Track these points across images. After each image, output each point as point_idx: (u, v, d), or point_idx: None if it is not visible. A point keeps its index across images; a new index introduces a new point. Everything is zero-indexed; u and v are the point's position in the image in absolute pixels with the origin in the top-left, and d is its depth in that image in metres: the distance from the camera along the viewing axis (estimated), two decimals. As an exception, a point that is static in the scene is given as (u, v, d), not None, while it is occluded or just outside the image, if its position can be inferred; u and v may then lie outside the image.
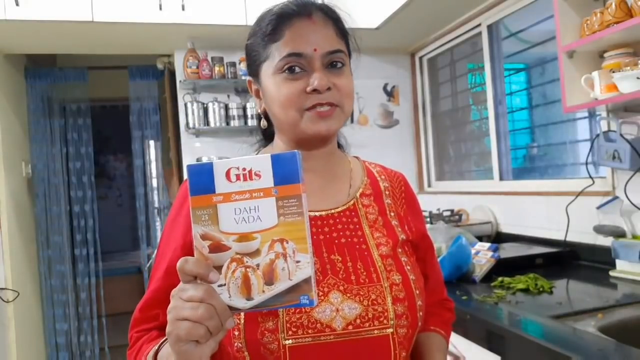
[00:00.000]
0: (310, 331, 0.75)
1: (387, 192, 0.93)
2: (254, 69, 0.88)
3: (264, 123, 0.90)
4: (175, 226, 0.85)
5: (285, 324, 0.74)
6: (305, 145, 0.86)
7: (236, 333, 0.75)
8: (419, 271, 0.88)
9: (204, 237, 0.60)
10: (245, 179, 0.60)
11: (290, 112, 0.81)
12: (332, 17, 0.85)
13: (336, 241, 0.83)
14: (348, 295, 0.78)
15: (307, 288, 0.60)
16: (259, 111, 0.90)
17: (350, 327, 0.76)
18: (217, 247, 0.60)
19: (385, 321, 0.77)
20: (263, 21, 0.84)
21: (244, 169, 0.60)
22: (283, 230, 0.60)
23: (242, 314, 0.74)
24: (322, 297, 0.77)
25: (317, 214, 0.85)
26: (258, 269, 0.60)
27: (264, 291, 0.60)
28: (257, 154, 0.93)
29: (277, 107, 0.83)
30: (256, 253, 0.60)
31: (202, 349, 0.59)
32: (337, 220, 0.86)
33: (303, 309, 0.74)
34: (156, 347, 0.76)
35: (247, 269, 0.60)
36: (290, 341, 0.74)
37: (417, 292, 0.82)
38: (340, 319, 0.76)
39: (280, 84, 0.81)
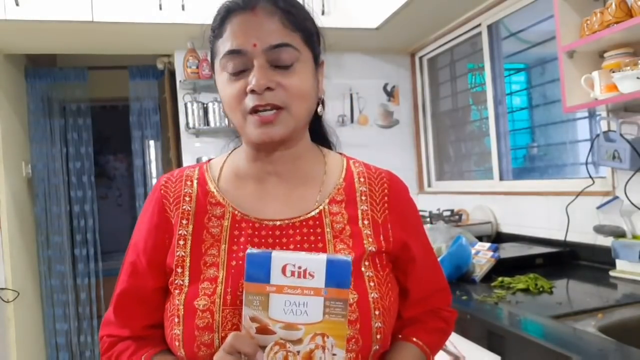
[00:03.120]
0: None
1: (363, 198, 0.83)
2: (212, 66, 0.84)
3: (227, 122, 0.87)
4: (139, 228, 0.84)
5: (220, 340, 0.71)
6: (263, 149, 0.81)
7: (176, 343, 0.74)
8: (392, 287, 0.81)
9: (253, 319, 0.66)
10: (299, 277, 0.66)
11: (235, 115, 0.76)
12: (281, 8, 0.76)
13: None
14: None
15: None
16: (222, 110, 0.86)
17: None
18: (264, 330, 0.66)
19: None
20: (214, 17, 0.80)
21: (299, 267, 0.66)
22: (326, 326, 0.66)
23: (182, 324, 0.74)
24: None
25: (277, 223, 0.80)
26: (298, 355, 0.66)
27: None
28: (229, 155, 0.90)
29: (225, 109, 0.79)
30: (298, 341, 0.66)
31: None
32: (298, 230, 0.79)
33: (239, 326, 0.71)
34: None
35: (289, 353, 0.66)
36: None
37: (377, 312, 0.75)
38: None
39: (224, 84, 0.77)
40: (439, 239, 1.99)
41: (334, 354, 0.66)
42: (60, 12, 2.45)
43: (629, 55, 1.64)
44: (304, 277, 0.66)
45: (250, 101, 0.74)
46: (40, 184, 3.47)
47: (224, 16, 0.77)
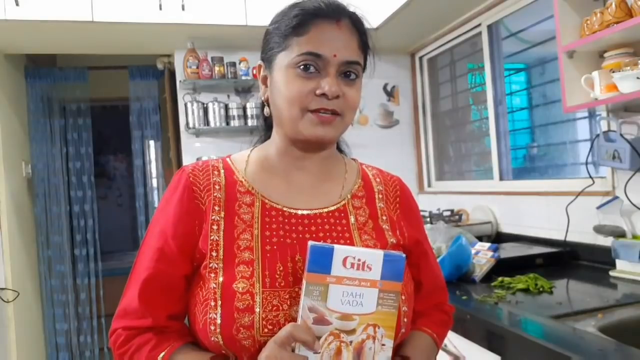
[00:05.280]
0: None
1: (380, 196, 0.92)
2: (268, 56, 0.86)
3: (267, 110, 0.89)
4: (165, 215, 0.84)
5: (261, 321, 0.73)
6: (300, 146, 0.86)
7: (212, 327, 0.74)
8: (410, 277, 0.88)
9: (311, 309, 0.69)
10: (358, 269, 0.70)
11: (293, 109, 0.81)
12: (359, 29, 0.85)
13: (321, 242, 0.81)
14: None
15: None
16: (262, 99, 0.89)
17: None
18: (321, 321, 0.69)
19: None
20: (291, 12, 0.83)
21: (359, 260, 0.70)
22: (378, 317, 0.71)
23: (219, 307, 0.75)
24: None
25: (305, 212, 0.85)
26: (350, 344, 0.70)
27: None
28: (251, 150, 0.93)
29: (282, 101, 0.82)
30: (352, 331, 0.70)
31: None
32: (325, 220, 0.85)
33: (280, 307, 0.75)
34: None
35: (342, 343, 0.70)
36: (265, 339, 0.72)
37: (403, 297, 0.81)
38: None
39: (291, 79, 0.81)
40: (439, 239, 1.99)
41: (383, 344, 0.71)
42: (60, 12, 2.45)
43: (629, 55, 1.64)
44: (362, 269, 0.70)
45: (317, 102, 0.80)
46: (40, 184, 3.47)
47: (307, 17, 0.81)
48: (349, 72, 0.82)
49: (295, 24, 0.81)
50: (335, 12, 0.82)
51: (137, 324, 0.80)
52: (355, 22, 0.85)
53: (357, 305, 0.70)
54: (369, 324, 0.70)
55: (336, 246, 0.71)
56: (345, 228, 0.85)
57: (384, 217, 0.89)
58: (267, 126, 0.95)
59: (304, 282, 0.70)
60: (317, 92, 0.79)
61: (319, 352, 0.69)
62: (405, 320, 0.81)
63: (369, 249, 0.78)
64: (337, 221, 0.85)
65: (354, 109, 0.85)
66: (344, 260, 0.70)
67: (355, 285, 0.70)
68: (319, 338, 0.69)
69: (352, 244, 0.83)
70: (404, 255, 0.73)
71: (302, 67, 0.80)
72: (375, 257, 0.71)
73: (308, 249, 0.71)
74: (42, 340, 3.51)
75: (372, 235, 0.85)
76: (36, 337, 3.42)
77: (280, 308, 0.74)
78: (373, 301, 0.70)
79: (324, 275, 0.69)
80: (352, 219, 0.86)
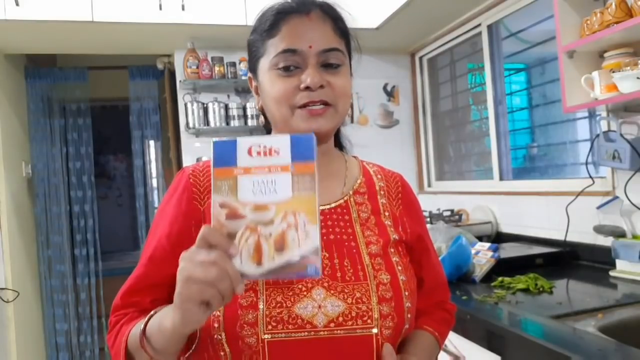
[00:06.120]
0: (290, 327, 0.73)
1: (382, 192, 0.92)
2: (253, 65, 0.88)
3: (262, 120, 0.90)
4: (163, 215, 0.85)
5: (265, 318, 0.73)
6: None
7: (215, 325, 0.74)
8: (412, 273, 0.87)
9: (222, 205, 0.63)
10: (265, 155, 0.64)
11: (282, 109, 0.81)
12: (331, 16, 0.84)
13: (325, 237, 0.81)
14: (332, 292, 0.76)
15: (314, 259, 0.62)
16: (257, 108, 0.90)
17: (332, 324, 0.74)
18: (234, 215, 0.63)
19: (369, 321, 0.76)
20: (263, 17, 0.84)
21: (264, 146, 0.64)
22: (296, 203, 0.63)
23: (222, 307, 0.74)
24: (305, 293, 0.75)
25: None
26: (270, 237, 0.62)
27: (274, 258, 0.62)
28: None
29: (271, 103, 0.83)
30: (270, 223, 0.63)
31: (207, 312, 0.60)
32: (328, 216, 0.84)
33: (284, 304, 0.74)
34: (145, 320, 0.72)
35: (260, 237, 0.62)
36: (269, 336, 0.73)
37: (407, 293, 0.81)
38: (322, 315, 0.74)
39: (274, 80, 0.81)
40: (439, 239, 1.99)
41: (306, 232, 0.63)
42: (60, 12, 2.45)
43: (629, 55, 1.64)
44: (270, 154, 0.64)
45: (302, 97, 0.80)
46: (40, 184, 3.47)
47: (278, 17, 0.82)
48: (331, 61, 0.81)
49: (268, 26, 0.82)
50: (303, 5, 0.82)
51: (123, 312, 0.82)
52: (326, 11, 0.84)
53: (271, 194, 0.63)
54: (287, 211, 0.63)
55: (239, 138, 0.65)
56: (348, 223, 0.84)
57: (387, 213, 0.89)
58: (267, 132, 0.95)
59: (212, 180, 0.64)
60: (301, 86, 0.79)
61: (235, 254, 0.62)
62: (409, 316, 0.80)
63: (274, 135, 0.73)
64: (340, 217, 0.85)
65: (345, 96, 0.84)
66: (249, 150, 0.64)
67: (265, 172, 0.63)
68: (235, 235, 0.63)
69: (354, 239, 0.83)
70: (312, 133, 0.66)
71: (282, 66, 0.80)
72: (281, 140, 0.64)
73: (212, 147, 0.65)
74: (42, 340, 3.51)
75: (374, 230, 0.85)
76: (36, 337, 3.41)
77: (284, 305, 0.74)
78: (287, 187, 0.63)
79: (230, 169, 0.64)
80: (354, 215, 0.86)
